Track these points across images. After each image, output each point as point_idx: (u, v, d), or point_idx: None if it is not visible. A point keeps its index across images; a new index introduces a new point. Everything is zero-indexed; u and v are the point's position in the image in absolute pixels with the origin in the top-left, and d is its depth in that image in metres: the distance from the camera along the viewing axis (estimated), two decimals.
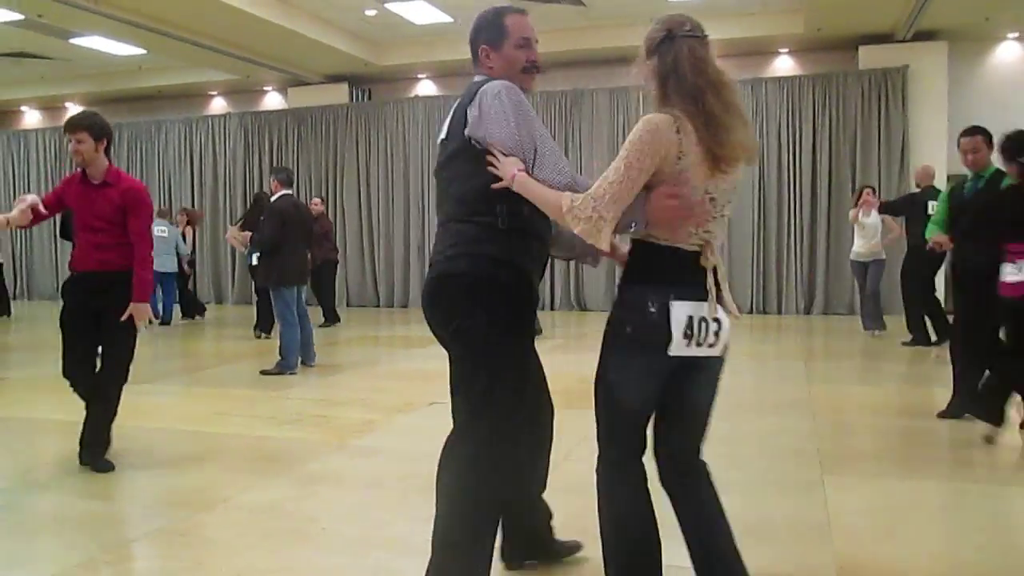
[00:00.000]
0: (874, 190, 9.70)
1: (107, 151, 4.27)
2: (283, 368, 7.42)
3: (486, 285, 2.47)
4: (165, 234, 11.31)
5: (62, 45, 12.97)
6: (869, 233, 9.29)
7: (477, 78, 2.64)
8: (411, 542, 3.38)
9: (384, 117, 14.46)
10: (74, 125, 4.17)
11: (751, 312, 12.47)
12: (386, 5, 11.51)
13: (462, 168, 2.51)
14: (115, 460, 4.35)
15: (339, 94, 14.83)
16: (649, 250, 2.27)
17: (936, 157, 11.63)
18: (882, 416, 5.76)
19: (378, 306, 14.22)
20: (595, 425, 2.40)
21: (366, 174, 14.55)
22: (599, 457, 2.41)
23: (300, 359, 7.71)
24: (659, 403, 2.36)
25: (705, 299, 2.24)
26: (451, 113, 2.59)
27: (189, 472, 4.38)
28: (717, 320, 2.26)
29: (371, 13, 11.91)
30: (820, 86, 12.33)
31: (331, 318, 11.32)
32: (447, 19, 12.12)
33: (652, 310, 2.20)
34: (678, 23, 2.29)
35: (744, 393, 6.34)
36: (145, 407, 6.08)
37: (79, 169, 4.29)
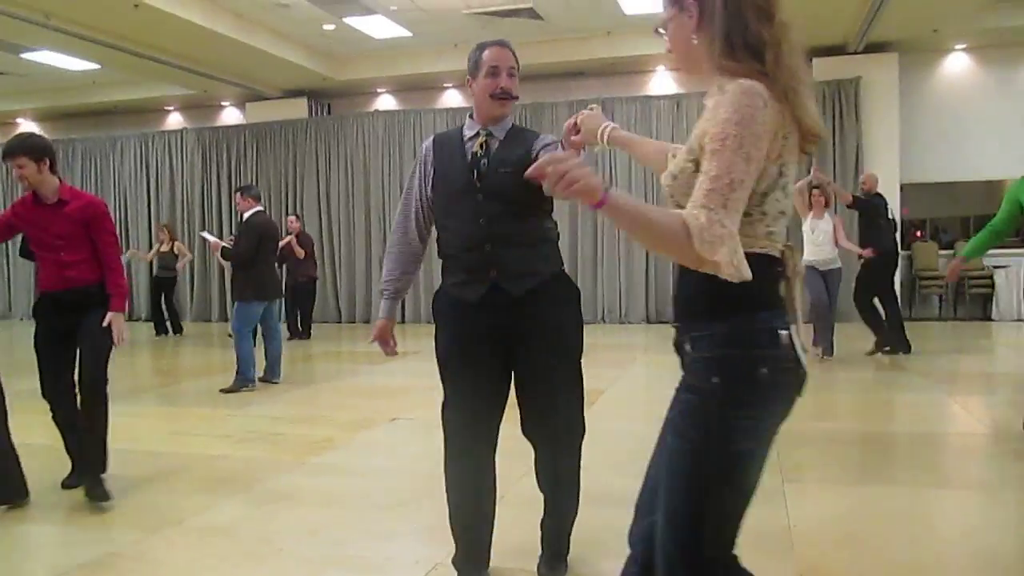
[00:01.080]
0: (822, 189, 8.69)
1: (53, 169, 4.15)
2: (242, 383, 7.35)
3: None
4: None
5: (13, 60, 12.74)
6: (822, 238, 8.53)
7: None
8: (370, 561, 3.34)
9: (344, 131, 14.39)
10: (10, 152, 4.04)
11: None
12: (345, 19, 11.46)
13: None
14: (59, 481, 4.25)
15: (298, 109, 14.73)
16: (762, 261, 1.63)
17: (889, 165, 11.83)
18: (842, 422, 5.81)
19: (339, 321, 14.11)
20: (668, 521, 1.70)
21: (326, 189, 14.45)
22: (682, 563, 1.68)
23: (263, 375, 7.67)
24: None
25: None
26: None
27: (142, 493, 4.28)
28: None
29: (330, 27, 11.86)
30: None
31: (306, 333, 11.73)
32: (406, 34, 12.10)
33: (785, 341, 1.63)
34: None
35: None
36: None
37: (29, 192, 4.17)
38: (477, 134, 2.85)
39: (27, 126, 16.90)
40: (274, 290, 7.83)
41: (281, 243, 11.27)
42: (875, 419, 5.93)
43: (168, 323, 12.68)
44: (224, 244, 7.83)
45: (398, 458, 5.07)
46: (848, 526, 3.62)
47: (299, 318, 11.78)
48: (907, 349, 8.52)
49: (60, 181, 4.21)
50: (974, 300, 12.29)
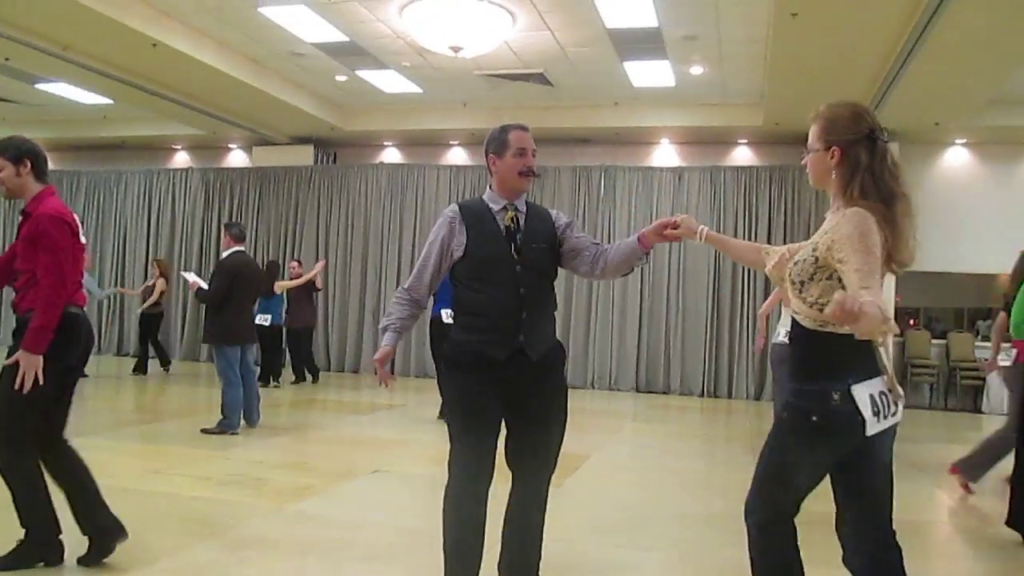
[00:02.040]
0: None
1: (38, 176, 3.65)
2: (225, 427, 7.24)
3: None
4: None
5: (28, 89, 12.88)
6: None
7: (490, 183, 3.30)
8: None
9: (347, 181, 14.51)
10: None
11: (702, 395, 12.54)
12: (357, 72, 11.65)
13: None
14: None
15: (304, 155, 14.86)
16: (827, 340, 2.37)
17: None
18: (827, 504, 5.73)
19: (328, 370, 14.03)
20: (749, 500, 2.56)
21: (325, 237, 14.51)
22: (758, 531, 2.55)
23: (243, 419, 7.55)
24: (838, 484, 2.53)
25: (878, 375, 2.37)
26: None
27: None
28: (891, 390, 2.39)
29: (342, 79, 12.04)
30: (776, 177, 12.68)
31: (302, 377, 11.77)
32: (417, 90, 12.29)
33: (836, 398, 2.32)
34: (876, 125, 2.47)
35: (698, 476, 6.30)
36: None
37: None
38: (504, 208, 3.21)
39: None
40: (245, 335, 7.61)
41: (301, 279, 11.44)
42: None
43: (157, 359, 12.46)
44: (202, 285, 7.63)
45: (378, 510, 5.00)
46: None
47: (293, 365, 11.77)
48: None
49: (42, 189, 3.66)
50: (965, 391, 12.29)
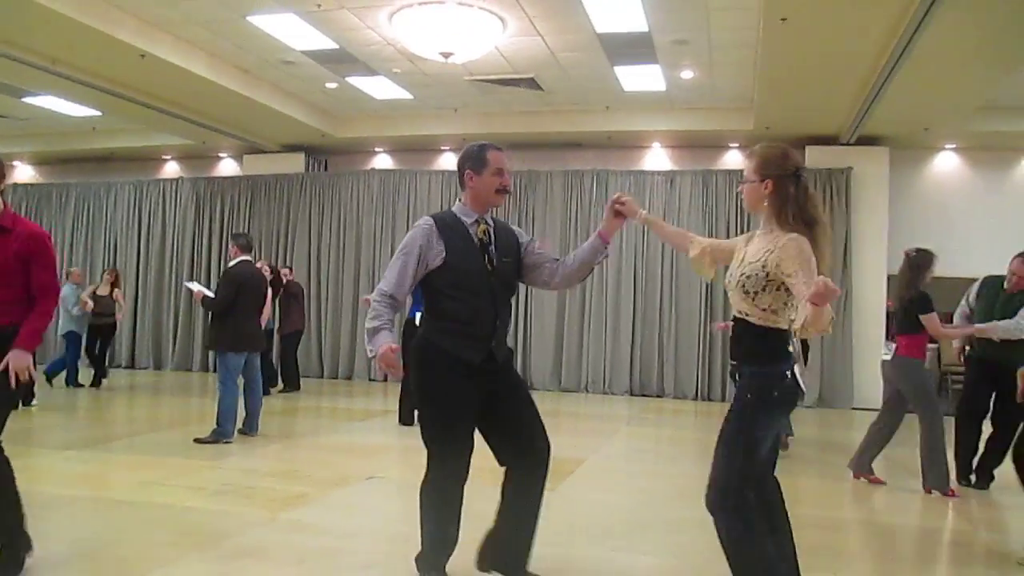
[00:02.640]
0: None
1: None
2: (218, 436, 7.21)
3: None
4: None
5: (15, 103, 12.84)
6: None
7: (460, 197, 3.60)
8: None
9: (339, 188, 14.49)
10: None
11: (696, 399, 12.55)
12: (348, 79, 11.64)
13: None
14: (29, 529, 4.09)
15: (295, 163, 14.85)
16: (774, 334, 3.04)
17: (876, 256, 11.99)
18: (845, 511, 5.74)
19: (321, 376, 14.00)
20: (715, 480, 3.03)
21: (317, 244, 14.49)
22: (725, 506, 3.00)
23: (241, 428, 7.54)
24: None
25: (795, 360, 3.09)
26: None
27: (107, 544, 4.17)
28: (802, 372, 3.15)
29: (332, 86, 12.04)
30: None
31: (291, 385, 11.61)
32: (407, 96, 12.29)
33: (788, 376, 3.01)
34: (801, 164, 3.11)
35: (693, 480, 6.29)
36: (67, 474, 5.86)
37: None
38: (476, 221, 3.49)
39: (23, 170, 16.96)
40: (251, 342, 7.62)
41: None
42: (872, 511, 5.88)
43: (93, 370, 11.68)
44: (207, 293, 7.67)
45: (372, 518, 4.98)
46: None
47: (282, 372, 11.71)
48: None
49: (6, 205, 3.63)
50: (957, 396, 12.26)
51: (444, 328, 3.39)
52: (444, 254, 3.37)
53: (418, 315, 8.27)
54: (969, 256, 12.09)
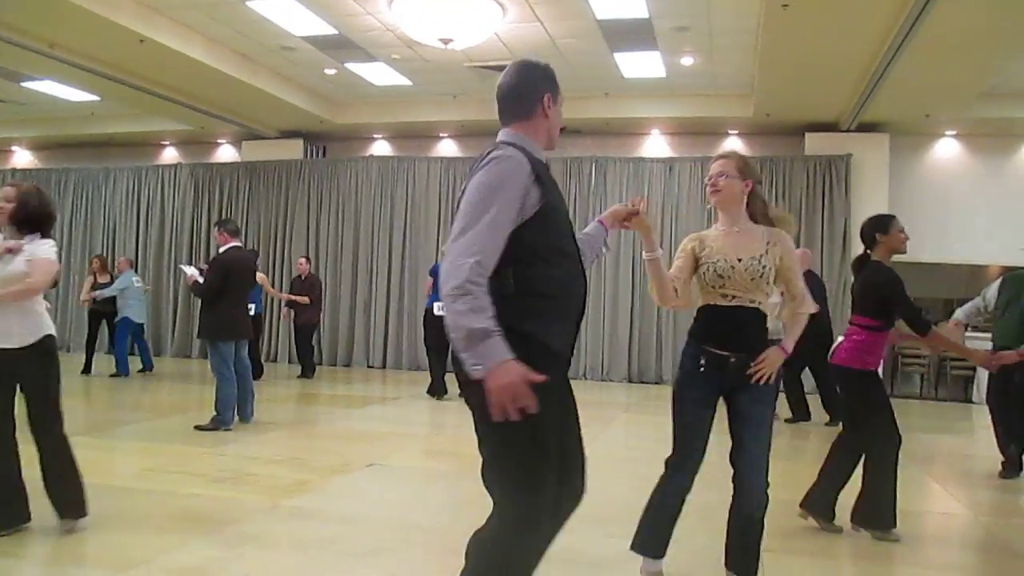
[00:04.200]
0: None
1: None
2: (218, 424, 7.21)
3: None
4: (139, 283, 11.66)
5: (14, 88, 12.79)
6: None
7: (515, 139, 2.53)
8: None
9: (337, 175, 14.46)
10: None
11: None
12: (347, 65, 11.60)
13: None
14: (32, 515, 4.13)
15: (294, 150, 14.81)
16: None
17: None
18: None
19: (320, 363, 14.01)
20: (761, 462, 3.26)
21: (316, 230, 14.47)
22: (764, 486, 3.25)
23: (237, 415, 7.52)
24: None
25: None
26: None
27: (110, 531, 4.18)
28: None
29: (331, 72, 11.99)
30: (767, 168, 12.68)
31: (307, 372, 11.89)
32: (406, 82, 12.25)
33: None
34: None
35: None
36: None
37: None
38: (547, 165, 2.56)
39: (22, 155, 16.92)
40: (238, 330, 7.54)
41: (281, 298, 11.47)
42: (853, 493, 5.90)
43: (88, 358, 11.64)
44: (199, 279, 7.59)
45: (374, 504, 5.00)
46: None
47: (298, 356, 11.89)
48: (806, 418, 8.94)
49: None
50: (955, 381, 12.35)
51: (533, 308, 2.35)
52: (542, 200, 2.39)
53: (436, 305, 8.20)
54: (970, 244, 12.13)
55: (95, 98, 12.91)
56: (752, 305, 3.23)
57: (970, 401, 11.99)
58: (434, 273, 9.23)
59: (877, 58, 9.15)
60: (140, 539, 4.07)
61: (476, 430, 2.37)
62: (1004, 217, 12.15)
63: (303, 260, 12.19)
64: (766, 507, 3.20)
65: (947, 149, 12.80)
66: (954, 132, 12.60)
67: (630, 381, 12.86)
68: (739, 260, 3.22)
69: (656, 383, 12.73)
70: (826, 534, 4.52)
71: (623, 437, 8.17)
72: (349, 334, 14.12)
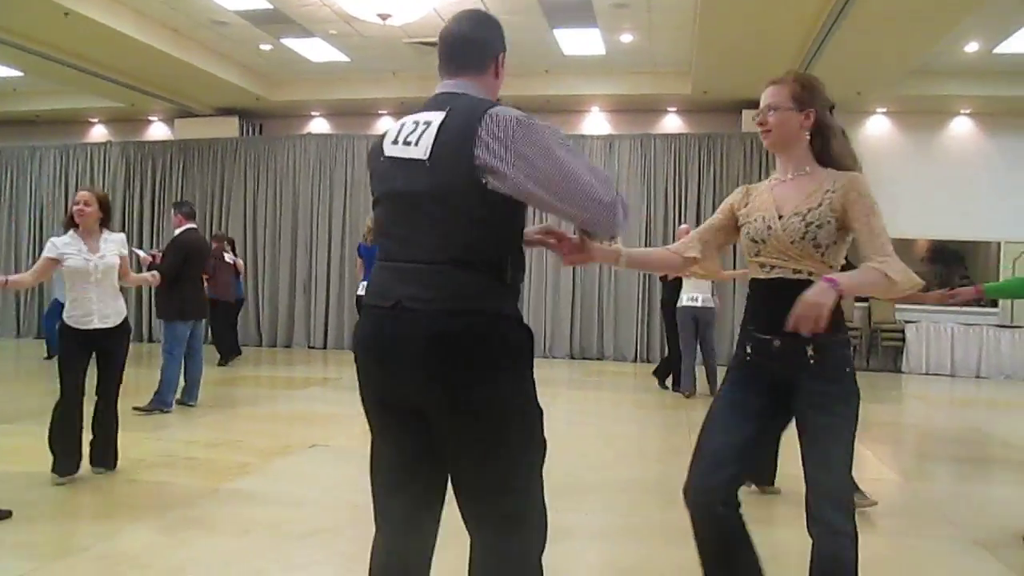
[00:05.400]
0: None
1: None
2: (158, 405, 7.12)
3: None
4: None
5: None
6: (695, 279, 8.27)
7: (455, 88, 2.15)
8: None
9: (275, 153, 14.21)
10: None
11: (636, 361, 12.74)
12: (282, 40, 11.38)
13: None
14: None
15: (229, 127, 14.49)
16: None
17: None
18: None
19: (260, 345, 13.83)
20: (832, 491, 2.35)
21: (253, 209, 14.23)
22: (849, 529, 2.32)
23: (180, 397, 7.46)
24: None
25: None
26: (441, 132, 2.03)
27: (45, 519, 4.08)
28: None
29: (266, 48, 11.75)
30: (705, 145, 12.84)
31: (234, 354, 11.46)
32: (344, 59, 12.07)
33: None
34: (832, 99, 2.68)
35: (634, 441, 6.40)
36: (2, 448, 5.71)
37: None
38: None
39: None
40: (198, 310, 7.61)
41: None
42: (789, 462, 6.04)
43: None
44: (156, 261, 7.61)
45: (316, 486, 4.97)
46: (779, 570, 3.67)
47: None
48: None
49: None
50: (886, 352, 12.70)
51: (516, 294, 2.13)
52: None
53: (363, 286, 8.18)
54: (902, 218, 12.43)
55: (18, 74, 12.45)
56: (797, 277, 2.41)
57: (899, 371, 12.35)
58: (363, 253, 9.05)
59: (811, 35, 9.31)
60: (76, 526, 3.99)
61: (471, 455, 2.06)
62: (932, 193, 12.50)
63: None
64: (852, 549, 2.31)
65: (878, 126, 13.11)
66: (884, 109, 12.90)
67: (572, 358, 12.96)
68: (780, 217, 2.46)
69: (598, 359, 12.85)
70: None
71: (565, 414, 8.23)
72: (289, 314, 13.96)
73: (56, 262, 4.73)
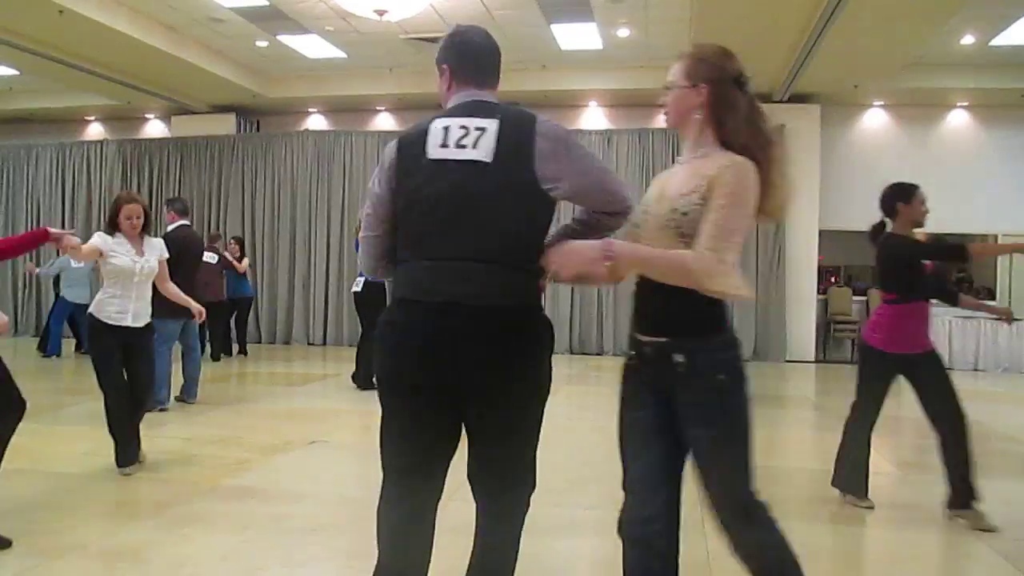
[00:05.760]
0: None
1: None
2: (154, 403, 7.09)
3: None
4: (79, 264, 10.72)
5: None
6: None
7: (488, 98, 2.37)
8: None
9: (272, 150, 14.20)
10: None
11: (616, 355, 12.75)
12: (279, 37, 11.36)
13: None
14: None
15: (226, 124, 14.49)
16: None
17: (809, 211, 12.23)
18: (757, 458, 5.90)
19: (259, 342, 13.83)
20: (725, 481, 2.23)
21: (251, 207, 14.22)
22: (752, 519, 2.24)
23: (179, 395, 7.46)
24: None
25: None
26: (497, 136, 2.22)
27: (45, 517, 4.08)
28: None
29: (263, 44, 11.74)
30: None
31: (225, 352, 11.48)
32: (341, 55, 12.06)
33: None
34: (743, 70, 2.31)
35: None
36: None
37: None
38: None
39: None
40: (186, 309, 7.52)
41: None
42: (782, 455, 6.06)
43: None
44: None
45: (316, 482, 4.97)
46: None
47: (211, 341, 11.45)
48: None
49: None
50: (835, 345, 12.80)
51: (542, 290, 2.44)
52: None
53: (361, 281, 8.21)
54: None
55: (14, 72, 12.45)
56: None
57: None
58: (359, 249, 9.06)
59: (808, 28, 9.30)
60: (76, 523, 3.98)
61: (507, 417, 2.42)
62: (930, 185, 12.38)
63: (233, 243, 11.89)
64: (785, 549, 2.24)
65: (875, 119, 13.12)
66: (882, 102, 12.91)
67: (571, 353, 12.97)
68: (667, 205, 2.20)
69: (598, 354, 12.86)
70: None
71: (565, 409, 8.24)
72: (288, 311, 13.96)
73: (101, 255, 4.92)
